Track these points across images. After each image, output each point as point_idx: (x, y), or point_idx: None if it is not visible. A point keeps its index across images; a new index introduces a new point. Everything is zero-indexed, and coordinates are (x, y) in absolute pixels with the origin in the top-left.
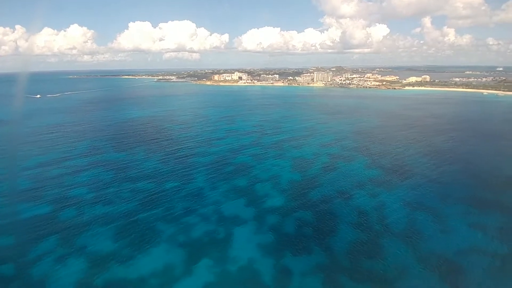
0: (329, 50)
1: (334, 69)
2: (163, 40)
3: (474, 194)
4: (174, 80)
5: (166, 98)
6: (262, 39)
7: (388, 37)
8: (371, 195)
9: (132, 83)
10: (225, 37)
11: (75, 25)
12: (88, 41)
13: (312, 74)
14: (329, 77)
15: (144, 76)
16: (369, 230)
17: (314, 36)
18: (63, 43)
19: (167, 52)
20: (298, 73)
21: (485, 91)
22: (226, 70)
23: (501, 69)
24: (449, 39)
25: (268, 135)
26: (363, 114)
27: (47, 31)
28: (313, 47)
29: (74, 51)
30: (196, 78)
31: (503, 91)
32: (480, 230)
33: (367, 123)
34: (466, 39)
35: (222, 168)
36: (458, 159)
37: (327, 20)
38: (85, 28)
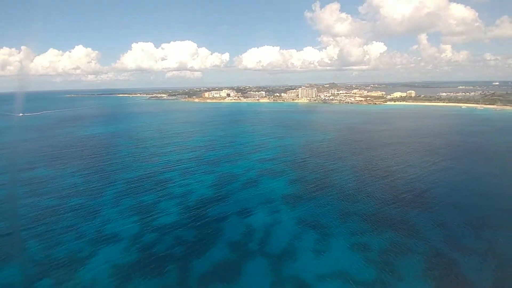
0: (328, 68)
1: (327, 85)
2: (165, 59)
3: (378, 211)
4: (165, 97)
5: (142, 115)
6: (262, 57)
7: (385, 54)
8: (272, 212)
9: (123, 101)
10: (226, 56)
11: (80, 46)
12: (92, 61)
13: (297, 90)
14: (314, 93)
15: (138, 94)
16: (242, 249)
17: (313, 54)
18: (67, 63)
19: (169, 71)
20: (290, 89)
21: (463, 105)
22: (222, 88)
23: (497, 83)
24: (446, 55)
25: (214, 150)
26: (323, 129)
27: (52, 52)
28: (312, 65)
29: (78, 71)
30: (186, 96)
31: (483, 104)
32: (358, 253)
33: (319, 138)
34: (463, 55)
35: (141, 184)
36: (385, 173)
37: (325, 38)
38: (89, 49)
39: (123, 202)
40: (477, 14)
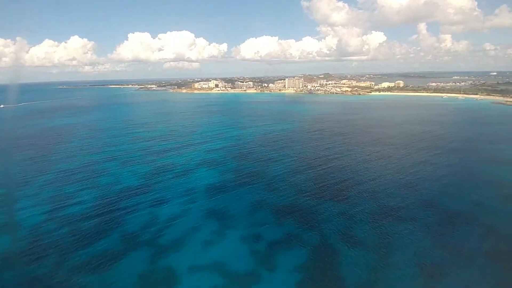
0: (327, 58)
1: (322, 76)
2: (162, 50)
3: (292, 202)
4: (154, 88)
5: (121, 105)
6: (260, 48)
7: (384, 44)
8: (186, 203)
9: (111, 92)
10: (224, 46)
11: (76, 36)
12: (88, 52)
13: (284, 81)
14: (300, 83)
15: (130, 86)
16: (131, 240)
17: (312, 44)
18: (63, 54)
19: (166, 62)
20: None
21: (445, 95)
22: (216, 78)
23: (495, 73)
24: (446, 45)
25: (166, 141)
26: (291, 119)
27: (47, 43)
28: (310, 55)
29: (74, 62)
30: (176, 87)
31: (463, 94)
32: (247, 244)
33: (280, 128)
34: (462, 45)
35: (71, 174)
36: (319, 163)
37: (323, 28)
38: (85, 40)
39: (44, 192)
40: (476, 3)
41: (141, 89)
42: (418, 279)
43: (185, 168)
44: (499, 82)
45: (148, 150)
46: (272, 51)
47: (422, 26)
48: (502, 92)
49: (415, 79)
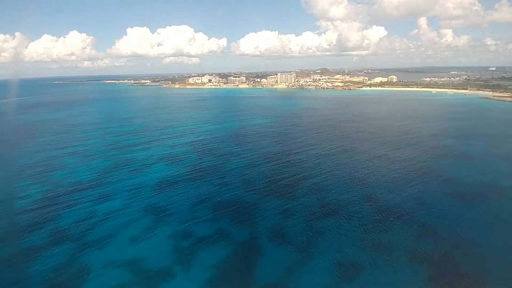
0: (327, 53)
1: (319, 71)
2: (161, 45)
3: (235, 198)
4: (148, 83)
5: (107, 100)
6: (260, 42)
7: (384, 39)
8: (129, 199)
9: (104, 88)
10: (223, 41)
11: (74, 31)
12: (87, 47)
13: (276, 76)
14: (292, 78)
15: (125, 81)
16: (58, 236)
17: (312, 39)
18: (62, 50)
19: (166, 57)
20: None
21: (434, 90)
22: (212, 73)
23: (493, 68)
24: (446, 40)
25: (137, 136)
26: (269, 114)
27: (46, 38)
28: (310, 50)
29: (73, 57)
30: (170, 82)
31: (452, 89)
32: (173, 241)
33: (255, 123)
34: (463, 40)
35: (27, 169)
36: (275, 158)
37: (323, 23)
38: (84, 35)
39: None
40: None
41: (135, 84)
42: (330, 279)
43: (143, 163)
44: (494, 77)
45: (114, 145)
46: (272, 46)
47: (423, 21)
48: (493, 87)
49: (413, 74)
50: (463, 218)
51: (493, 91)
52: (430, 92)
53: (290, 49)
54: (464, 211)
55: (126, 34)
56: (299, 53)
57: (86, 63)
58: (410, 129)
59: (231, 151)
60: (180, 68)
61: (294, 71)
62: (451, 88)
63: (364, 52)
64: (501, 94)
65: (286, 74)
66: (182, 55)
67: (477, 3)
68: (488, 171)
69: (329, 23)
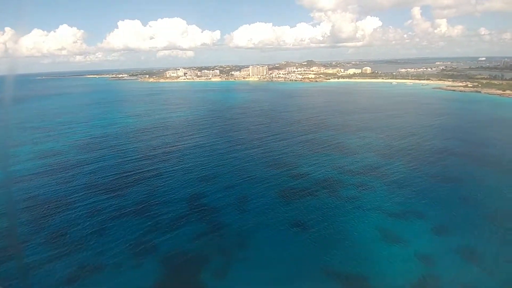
0: (322, 45)
1: (305, 63)
2: (154, 38)
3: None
4: (125, 77)
5: (57, 96)
6: (254, 35)
7: (378, 29)
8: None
9: (81, 82)
10: (217, 33)
11: (65, 25)
12: (78, 41)
13: (248, 69)
14: (264, 71)
15: (107, 75)
16: None
17: (307, 30)
18: (52, 44)
19: (158, 50)
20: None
21: (393, 81)
22: (187, 67)
23: (484, 58)
24: (440, 30)
25: (65, 128)
26: (202, 107)
27: (36, 32)
28: (305, 42)
29: (64, 52)
30: (147, 76)
31: (411, 79)
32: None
33: (182, 114)
34: (457, 30)
35: None
36: (168, 151)
37: (317, 14)
38: (74, 29)
39: None
40: None
41: (112, 78)
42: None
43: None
44: (471, 67)
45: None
46: (266, 38)
47: (416, 11)
48: (455, 77)
49: (393, 65)
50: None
51: (454, 82)
52: (391, 83)
53: (284, 41)
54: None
55: (117, 28)
56: (293, 45)
57: (78, 57)
58: (312, 122)
59: (108, 145)
60: (173, 62)
61: (279, 63)
62: (414, 79)
63: (359, 44)
64: (453, 84)
65: (258, 66)
66: (175, 48)
67: None
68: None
69: (322, 14)
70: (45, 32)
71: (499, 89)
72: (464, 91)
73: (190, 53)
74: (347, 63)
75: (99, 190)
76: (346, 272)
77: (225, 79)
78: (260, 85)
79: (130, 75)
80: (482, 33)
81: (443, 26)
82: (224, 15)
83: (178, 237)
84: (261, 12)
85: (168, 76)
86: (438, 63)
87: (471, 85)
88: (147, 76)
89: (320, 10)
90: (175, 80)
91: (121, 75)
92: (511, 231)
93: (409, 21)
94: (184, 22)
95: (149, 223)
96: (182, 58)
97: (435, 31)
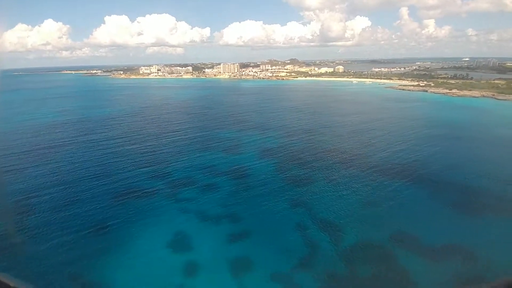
0: (312, 44)
1: (288, 61)
2: (142, 34)
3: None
4: (99, 74)
5: (29, 90)
6: (244, 32)
7: (367, 29)
8: None
9: (51, 78)
10: (207, 30)
11: (50, 20)
12: (63, 36)
13: (219, 66)
14: (236, 68)
15: (82, 72)
16: None
17: (297, 29)
18: (36, 39)
19: (147, 47)
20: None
21: (354, 80)
22: (192, 64)
23: (467, 59)
24: (428, 31)
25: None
26: (143, 105)
27: (20, 27)
28: (295, 41)
29: (49, 47)
30: (121, 72)
31: (371, 78)
32: None
33: (126, 111)
34: (445, 30)
35: None
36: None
37: (307, 13)
38: (60, 23)
39: None
40: None
41: (86, 74)
42: None
43: None
44: (444, 67)
45: None
46: (256, 36)
47: (404, 11)
48: (419, 77)
49: (367, 65)
50: None
51: (411, 81)
52: (351, 82)
53: (274, 39)
54: None
55: (104, 23)
56: (283, 43)
57: (64, 53)
58: (232, 120)
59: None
60: (163, 58)
61: (262, 62)
62: (376, 78)
63: (348, 43)
64: (406, 83)
65: (229, 64)
66: (164, 44)
67: None
68: None
69: (312, 13)
70: (30, 26)
71: (446, 89)
72: (412, 90)
73: (180, 50)
74: (332, 62)
75: None
76: None
77: (197, 76)
78: (225, 82)
79: (104, 71)
80: (470, 34)
81: (431, 26)
82: (214, 12)
83: None
84: (252, 10)
85: (141, 72)
86: (418, 63)
87: (423, 84)
88: (121, 72)
89: (308, 9)
90: (146, 77)
91: (94, 71)
92: None
93: (398, 21)
94: (173, 18)
95: None
96: (171, 55)
97: (423, 31)
